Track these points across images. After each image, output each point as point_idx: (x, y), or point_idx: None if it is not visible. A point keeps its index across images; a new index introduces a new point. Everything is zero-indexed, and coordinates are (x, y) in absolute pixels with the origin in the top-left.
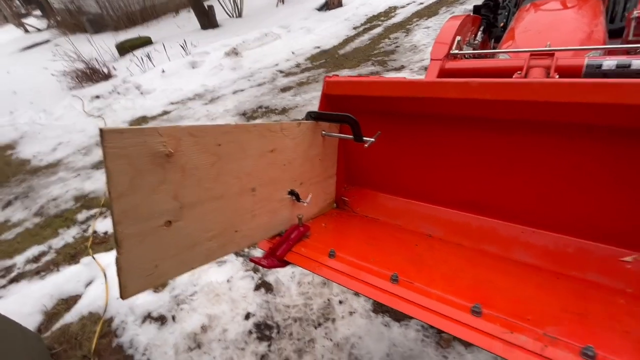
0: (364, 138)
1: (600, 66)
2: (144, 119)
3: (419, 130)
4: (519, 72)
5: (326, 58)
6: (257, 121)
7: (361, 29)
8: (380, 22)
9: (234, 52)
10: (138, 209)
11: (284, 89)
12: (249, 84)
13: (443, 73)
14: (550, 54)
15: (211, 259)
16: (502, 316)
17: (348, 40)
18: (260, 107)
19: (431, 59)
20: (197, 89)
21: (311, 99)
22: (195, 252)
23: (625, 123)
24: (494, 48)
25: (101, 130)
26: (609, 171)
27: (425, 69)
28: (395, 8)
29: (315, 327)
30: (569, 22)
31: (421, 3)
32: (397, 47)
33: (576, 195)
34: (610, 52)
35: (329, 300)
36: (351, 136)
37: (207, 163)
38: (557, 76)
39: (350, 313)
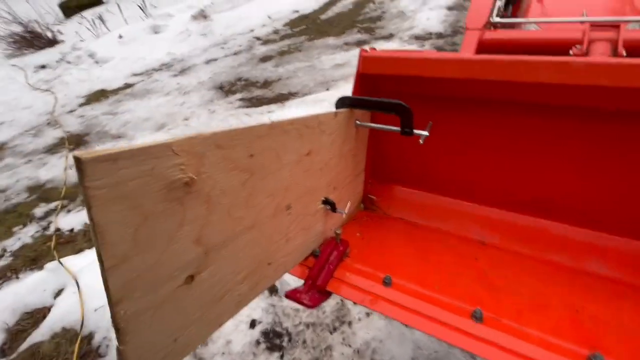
0: (417, 131)
1: None
2: (102, 93)
3: (467, 117)
4: (577, 45)
5: (307, 24)
6: (238, 96)
7: None
8: None
9: (202, 16)
10: (148, 273)
11: (264, 59)
12: (223, 53)
13: (483, 46)
14: (615, 25)
15: (242, 305)
16: None
17: (329, 4)
18: (239, 79)
19: (467, 29)
20: (164, 57)
21: (295, 71)
22: (224, 304)
23: None
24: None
25: (78, 161)
26: None
27: (416, 38)
28: None
29: (331, 333)
30: None
31: None
32: (383, 12)
33: None
34: None
35: (342, 300)
36: (397, 128)
37: (238, 183)
38: (625, 53)
39: (367, 314)
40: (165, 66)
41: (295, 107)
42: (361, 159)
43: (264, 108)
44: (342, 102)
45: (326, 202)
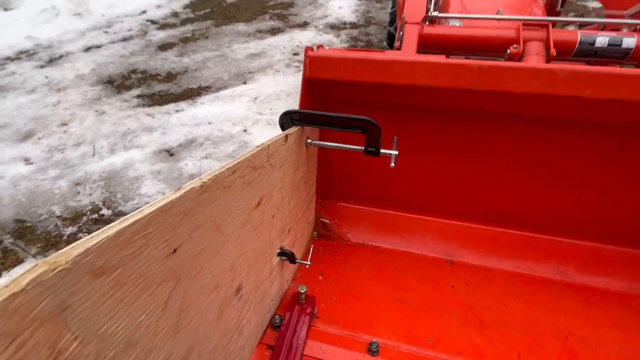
0: (385, 151)
1: (593, 43)
2: None
3: (428, 126)
4: (514, 45)
5: (212, 7)
6: (134, 92)
7: None
8: None
9: None
10: None
11: (164, 47)
12: (108, 38)
13: (423, 41)
14: (543, 25)
15: None
16: None
17: None
18: (134, 71)
19: (406, 22)
20: (22, 42)
21: (204, 61)
22: None
23: None
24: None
25: None
26: None
27: (332, 27)
28: None
29: None
30: None
31: None
32: None
33: (620, 199)
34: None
35: None
36: (359, 147)
37: (152, 312)
38: (554, 51)
39: None
40: (25, 54)
41: (209, 103)
42: (313, 181)
43: (171, 106)
44: (290, 118)
45: (282, 253)
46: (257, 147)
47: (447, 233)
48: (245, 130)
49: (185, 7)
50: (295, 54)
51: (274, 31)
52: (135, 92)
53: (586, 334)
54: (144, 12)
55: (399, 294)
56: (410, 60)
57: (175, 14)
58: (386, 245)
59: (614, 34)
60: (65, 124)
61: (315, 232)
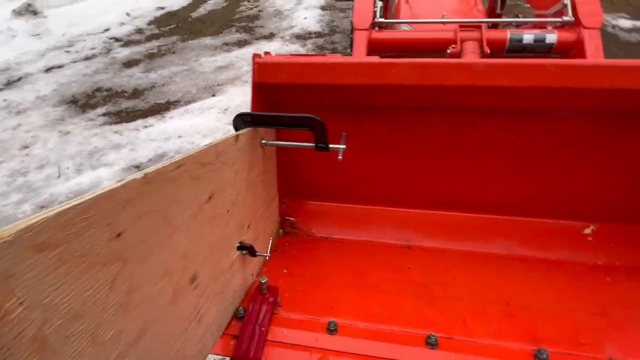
0: (333, 146)
1: (521, 40)
2: None
3: (376, 124)
4: (453, 45)
5: (177, 22)
6: (100, 110)
7: None
8: None
9: (31, 11)
10: None
11: (129, 64)
12: (69, 58)
13: (372, 46)
14: (477, 26)
15: None
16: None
17: (199, 0)
18: (99, 89)
19: (355, 29)
20: None
21: (172, 76)
22: None
23: (584, 106)
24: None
25: None
26: (568, 151)
27: (297, 37)
28: None
29: None
30: None
31: None
32: (259, 11)
33: (553, 178)
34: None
35: None
36: (310, 144)
37: (100, 289)
38: (488, 49)
39: None
40: None
41: (178, 117)
42: (273, 182)
43: (139, 122)
44: (242, 120)
45: (242, 247)
46: (205, 145)
47: (405, 221)
48: None
49: (150, 23)
50: None
51: (240, 43)
52: (101, 110)
53: (525, 299)
54: (106, 29)
55: (358, 279)
56: (348, 62)
57: (139, 31)
58: (349, 237)
59: (539, 31)
60: (27, 147)
61: (281, 231)
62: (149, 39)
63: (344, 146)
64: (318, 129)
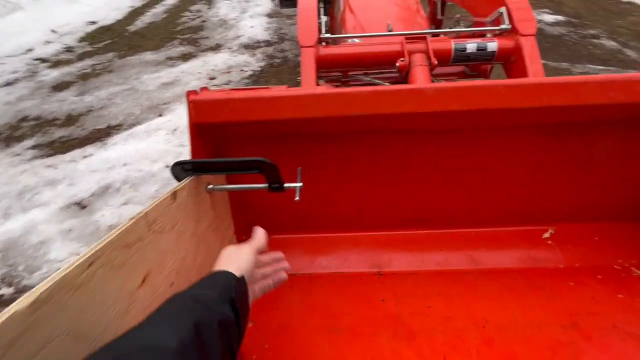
0: (288, 185)
1: (465, 49)
2: None
3: (330, 149)
4: (402, 58)
5: (112, 37)
6: (28, 142)
7: None
8: None
9: None
10: None
11: (59, 87)
12: None
13: (320, 62)
14: (422, 37)
15: None
16: None
17: (136, 13)
18: (25, 118)
19: (301, 47)
20: None
21: (111, 97)
22: None
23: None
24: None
25: None
26: (524, 162)
27: (246, 47)
28: None
29: None
30: (397, 2)
31: None
32: (203, 21)
33: (499, 185)
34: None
35: None
36: (264, 185)
37: None
38: (435, 60)
39: None
40: None
41: (122, 143)
42: (227, 224)
43: (77, 152)
44: (181, 169)
45: None
46: (130, 219)
47: (373, 244)
48: (167, 166)
49: (81, 40)
50: (212, 78)
51: (185, 57)
52: (29, 142)
53: (499, 319)
54: (29, 50)
55: (330, 323)
56: (294, 95)
57: (69, 49)
58: (317, 270)
59: (480, 40)
60: None
61: None
62: (81, 57)
63: (301, 184)
64: (269, 170)
